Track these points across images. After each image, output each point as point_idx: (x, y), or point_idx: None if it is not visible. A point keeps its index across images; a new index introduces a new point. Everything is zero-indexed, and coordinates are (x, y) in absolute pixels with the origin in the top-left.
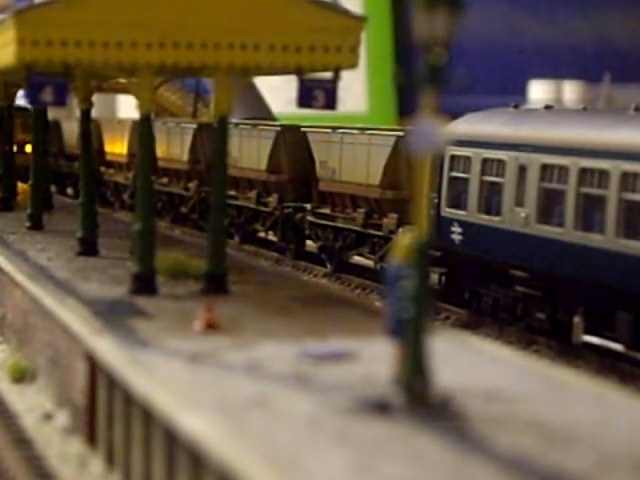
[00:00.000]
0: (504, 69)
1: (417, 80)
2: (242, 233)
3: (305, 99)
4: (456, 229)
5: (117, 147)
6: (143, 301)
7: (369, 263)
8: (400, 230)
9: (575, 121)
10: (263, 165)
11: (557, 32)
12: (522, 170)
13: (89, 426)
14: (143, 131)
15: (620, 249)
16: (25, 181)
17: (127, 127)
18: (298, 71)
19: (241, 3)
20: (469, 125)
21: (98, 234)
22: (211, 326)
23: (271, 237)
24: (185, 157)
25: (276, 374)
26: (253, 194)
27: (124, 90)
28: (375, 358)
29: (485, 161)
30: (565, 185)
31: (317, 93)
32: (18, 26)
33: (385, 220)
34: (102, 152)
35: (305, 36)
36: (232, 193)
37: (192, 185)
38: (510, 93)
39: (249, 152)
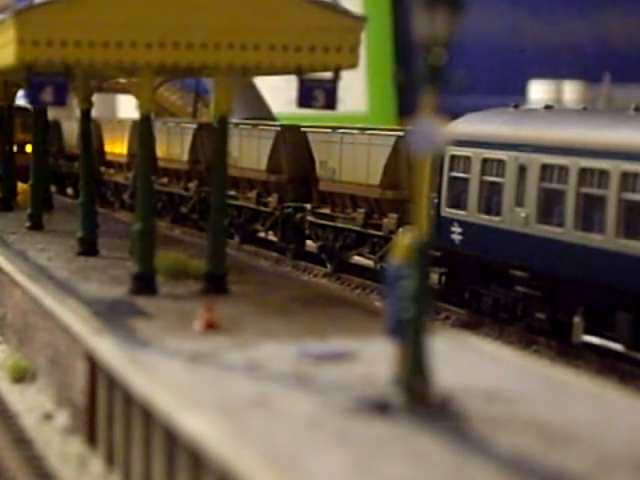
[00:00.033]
0: (504, 69)
1: (417, 80)
2: (242, 233)
3: (305, 99)
4: (456, 229)
5: (117, 147)
6: (143, 301)
7: (369, 263)
8: (400, 230)
9: (575, 121)
10: (263, 165)
11: (557, 32)
12: (522, 170)
13: (89, 426)
14: (143, 131)
15: (620, 249)
16: (25, 181)
17: (127, 127)
18: (298, 71)
19: (241, 3)
20: (469, 125)
21: (98, 234)
22: (211, 326)
23: (271, 237)
24: (185, 157)
25: (276, 374)
26: (253, 194)
27: (124, 90)
28: (375, 358)
29: (485, 161)
30: (565, 185)
31: (317, 93)
32: (18, 26)
33: (385, 220)
34: (102, 152)
35: (305, 36)
36: (232, 193)
37: (192, 185)
38: (510, 93)
39: (249, 152)
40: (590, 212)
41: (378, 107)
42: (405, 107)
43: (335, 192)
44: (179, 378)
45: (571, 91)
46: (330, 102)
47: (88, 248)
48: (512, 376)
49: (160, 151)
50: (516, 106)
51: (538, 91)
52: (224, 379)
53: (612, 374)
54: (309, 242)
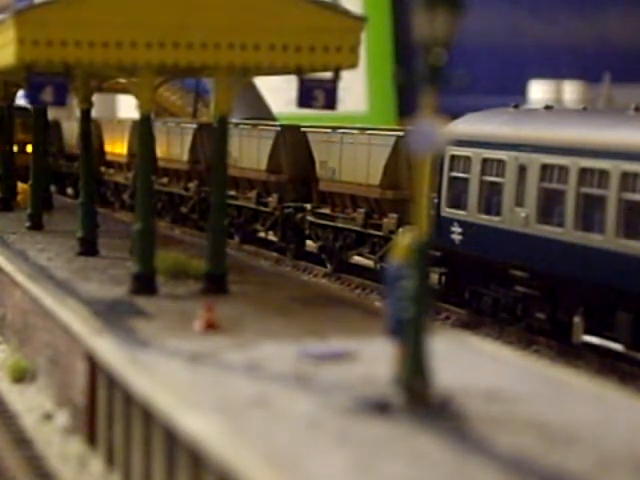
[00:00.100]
0: (504, 69)
1: (417, 80)
2: (242, 233)
3: (305, 99)
4: (456, 229)
5: (117, 147)
6: (143, 301)
7: (369, 263)
8: (400, 230)
9: (575, 121)
10: (263, 165)
11: (557, 32)
12: (522, 170)
13: (89, 426)
14: (143, 131)
15: (620, 249)
16: (26, 181)
17: (127, 127)
18: (298, 71)
19: (241, 3)
20: (469, 125)
21: (98, 234)
22: (211, 326)
23: (271, 237)
24: (185, 157)
25: (276, 374)
26: (253, 194)
27: (124, 90)
28: (375, 358)
29: (485, 161)
30: (565, 185)
31: (317, 93)
32: (18, 26)
33: (385, 220)
34: (102, 152)
35: (305, 36)
36: (232, 193)
37: (192, 185)
38: (510, 93)
39: (249, 152)
40: (590, 212)
41: (378, 107)
42: (405, 107)
43: (335, 192)
44: (179, 378)
45: (571, 91)
46: (330, 102)
47: (88, 248)
48: (512, 376)
49: (160, 151)
50: (516, 106)
51: (538, 91)
52: (224, 379)
53: (612, 374)
54: (309, 242)
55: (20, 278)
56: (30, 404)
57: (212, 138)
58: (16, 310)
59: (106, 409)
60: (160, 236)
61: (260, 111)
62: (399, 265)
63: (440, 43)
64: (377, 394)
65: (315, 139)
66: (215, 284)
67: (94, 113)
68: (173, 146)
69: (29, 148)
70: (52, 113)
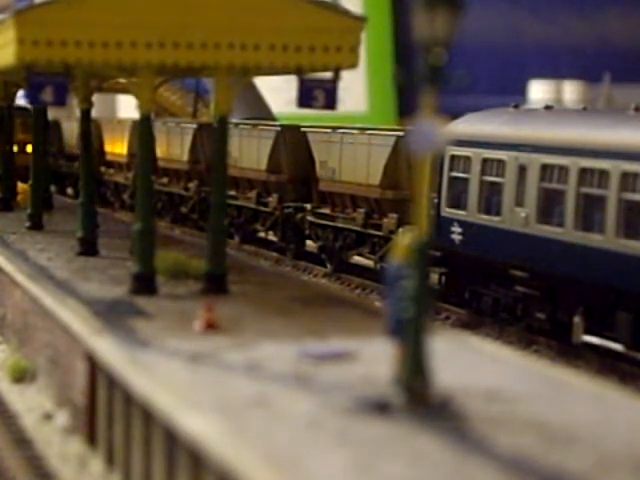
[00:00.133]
0: (504, 69)
1: (417, 80)
2: (242, 233)
3: (305, 99)
4: (456, 229)
5: (117, 147)
6: (143, 301)
7: (369, 263)
8: (400, 230)
9: (575, 121)
10: (263, 165)
11: (557, 32)
12: (522, 170)
13: (89, 426)
14: (143, 131)
15: (620, 249)
16: (26, 181)
17: (127, 127)
18: (298, 71)
19: (241, 3)
20: (469, 125)
21: (98, 234)
22: (211, 326)
23: (271, 237)
24: (185, 157)
25: (276, 374)
26: (253, 194)
27: (124, 90)
28: (375, 358)
29: (485, 161)
30: (565, 185)
31: (317, 93)
32: (18, 26)
33: (385, 220)
34: (102, 152)
35: (305, 36)
36: (232, 193)
37: (192, 185)
38: (510, 93)
39: (249, 152)
40: (590, 212)
41: (378, 107)
42: (405, 107)
43: (335, 192)
44: (179, 378)
45: (571, 91)
46: (330, 102)
47: (88, 248)
48: (512, 376)
49: (160, 151)
50: (516, 106)
51: (538, 91)
52: (224, 379)
53: (612, 374)
54: (309, 242)
55: (20, 278)
56: (30, 404)
57: (212, 138)
58: (16, 310)
59: (106, 409)
60: (160, 236)
61: (260, 111)
62: (399, 265)
63: (440, 43)
64: (377, 394)
65: (315, 139)
66: (215, 284)
67: (94, 113)
68: (173, 146)
69: (29, 148)
70: (52, 113)
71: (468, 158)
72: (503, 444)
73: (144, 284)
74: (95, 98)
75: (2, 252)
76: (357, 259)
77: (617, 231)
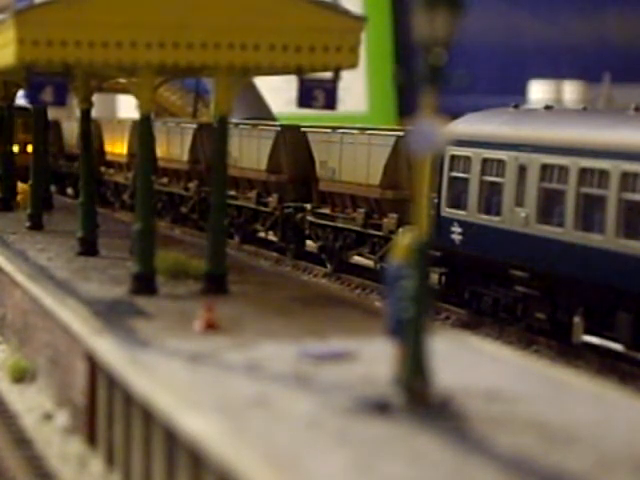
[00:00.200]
0: (504, 69)
1: (417, 80)
2: (242, 233)
3: (305, 99)
4: (456, 229)
5: (117, 147)
6: (143, 301)
7: (369, 263)
8: (400, 230)
9: (575, 121)
10: (263, 165)
11: (557, 32)
12: (522, 170)
13: (89, 426)
14: (143, 131)
15: (620, 249)
16: (27, 181)
17: (127, 127)
18: (298, 71)
19: (241, 3)
20: (469, 125)
21: (98, 234)
22: (211, 326)
23: (271, 237)
24: (185, 157)
25: (276, 374)
26: (253, 194)
27: (124, 90)
28: (375, 358)
29: (485, 161)
30: (565, 185)
31: (317, 93)
32: (18, 26)
33: (385, 220)
34: (102, 152)
35: (305, 36)
36: (232, 193)
37: (192, 185)
38: (510, 93)
39: (249, 152)
40: (590, 212)
41: (378, 107)
42: (405, 107)
43: (335, 192)
44: (179, 378)
45: (571, 91)
46: (330, 102)
47: (88, 248)
48: (512, 376)
49: (160, 151)
50: (516, 106)
51: (538, 91)
52: (224, 379)
53: (612, 374)
54: (309, 242)
55: (20, 278)
56: (30, 404)
57: (212, 138)
58: (16, 310)
59: (106, 409)
60: (160, 236)
61: (260, 111)
62: (399, 265)
63: (440, 43)
64: (377, 394)
65: (315, 139)
66: (215, 284)
67: (94, 113)
68: (173, 146)
69: (30, 148)
70: (52, 113)
71: (468, 158)
72: (503, 444)
73: (144, 284)
74: (95, 98)
75: (2, 252)
76: (357, 259)
77: (617, 231)
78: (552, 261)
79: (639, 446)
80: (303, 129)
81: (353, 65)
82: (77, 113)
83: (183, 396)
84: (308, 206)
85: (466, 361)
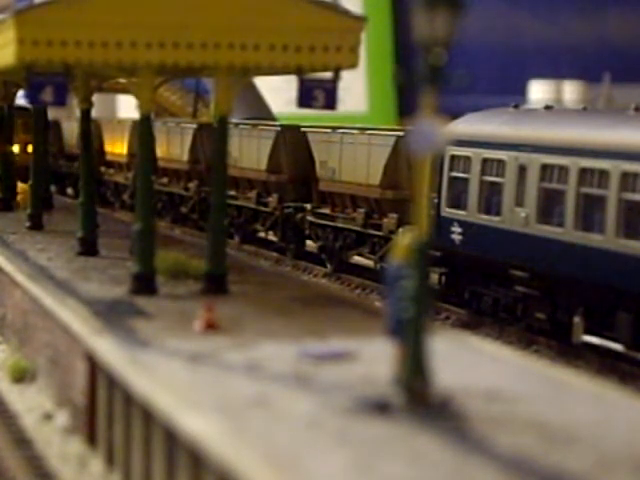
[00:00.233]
0: (504, 69)
1: (417, 80)
2: (242, 233)
3: (305, 99)
4: (456, 229)
5: (117, 147)
6: (143, 301)
7: (369, 263)
8: (400, 230)
9: (575, 121)
10: (263, 165)
11: (557, 32)
12: (522, 170)
13: (89, 426)
14: (143, 131)
15: (620, 249)
16: (28, 181)
17: (127, 127)
18: (298, 71)
19: (241, 3)
20: (469, 125)
21: (98, 234)
22: (211, 326)
23: (271, 237)
24: (185, 157)
25: (276, 374)
26: (253, 194)
27: (124, 90)
28: (375, 358)
29: (485, 161)
30: (565, 185)
31: (317, 93)
32: (18, 26)
33: (385, 220)
34: (102, 152)
35: (305, 36)
36: (232, 193)
37: (192, 185)
38: (510, 93)
39: (249, 152)
40: (590, 212)
41: (378, 107)
42: (405, 107)
43: (335, 192)
44: (179, 378)
45: (571, 91)
46: (330, 102)
47: (88, 248)
48: (512, 376)
49: (160, 151)
50: (516, 106)
51: (538, 91)
52: (224, 379)
53: (612, 374)
54: (309, 242)
55: (20, 278)
56: (30, 404)
57: (212, 138)
58: (16, 310)
59: (106, 409)
60: (160, 236)
61: (260, 111)
62: (399, 265)
63: (440, 43)
64: (377, 394)
65: (315, 139)
66: (215, 284)
67: (94, 113)
68: (173, 146)
69: (30, 148)
70: (52, 113)
71: (468, 158)
72: (503, 444)
73: (144, 284)
74: (95, 98)
75: (2, 252)
76: (357, 259)
77: (617, 231)
78: (552, 261)
79: (639, 446)
80: (303, 129)
81: (353, 65)
82: (77, 113)
83: (183, 396)
84: (308, 206)
85: (466, 361)
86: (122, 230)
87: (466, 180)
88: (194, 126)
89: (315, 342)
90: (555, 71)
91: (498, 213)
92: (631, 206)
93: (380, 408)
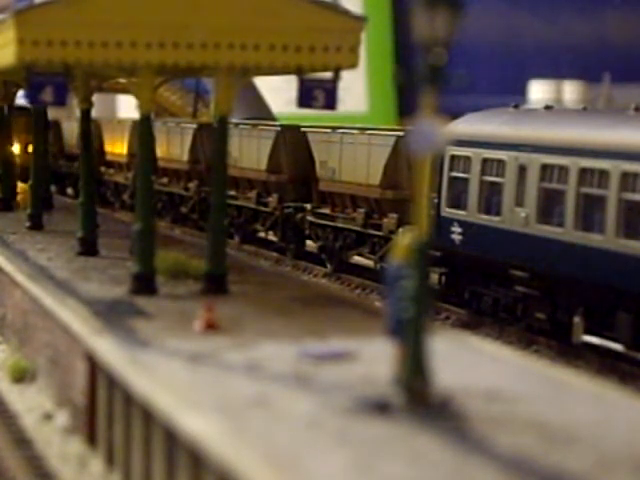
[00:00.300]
0: (504, 69)
1: (417, 80)
2: (242, 233)
3: (305, 99)
4: (456, 229)
5: (117, 147)
6: (143, 301)
7: (369, 263)
8: (400, 230)
9: (575, 121)
10: (263, 165)
11: (557, 32)
12: (522, 170)
13: (89, 426)
14: (143, 131)
15: (620, 249)
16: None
17: (127, 127)
18: (298, 71)
19: (241, 3)
20: (469, 125)
21: (98, 234)
22: (211, 326)
23: (271, 237)
24: (185, 157)
25: (276, 374)
26: (253, 194)
27: (124, 90)
28: (375, 358)
29: (485, 161)
30: (565, 185)
31: (317, 93)
32: (18, 26)
33: (385, 220)
34: (102, 152)
35: (305, 36)
36: (232, 193)
37: (192, 185)
38: (510, 93)
39: (249, 152)
40: (590, 212)
41: (378, 107)
42: (405, 107)
43: (335, 192)
44: (179, 378)
45: (571, 91)
46: (330, 102)
47: (88, 248)
48: (512, 376)
49: (160, 151)
50: (516, 106)
51: (538, 91)
52: (224, 379)
53: (612, 374)
54: (309, 242)
55: (20, 278)
56: (30, 404)
57: (212, 138)
58: (16, 310)
59: (106, 409)
60: (160, 236)
61: (260, 111)
62: (399, 265)
63: (440, 43)
64: (377, 394)
65: (315, 139)
66: (215, 284)
67: (94, 113)
68: (173, 146)
69: (31, 148)
70: (52, 113)
71: (468, 158)
72: (503, 444)
73: (144, 284)
74: (95, 98)
75: (2, 252)
76: (357, 259)
77: (617, 231)
78: (552, 261)
79: (639, 446)
80: (303, 129)
81: (353, 65)
82: (77, 113)
83: (183, 396)
84: (308, 206)
85: (466, 361)
86: (122, 230)
87: (466, 180)
88: (194, 126)
89: (315, 342)
90: (555, 71)
91: (498, 213)
92: (631, 206)
93: (380, 408)
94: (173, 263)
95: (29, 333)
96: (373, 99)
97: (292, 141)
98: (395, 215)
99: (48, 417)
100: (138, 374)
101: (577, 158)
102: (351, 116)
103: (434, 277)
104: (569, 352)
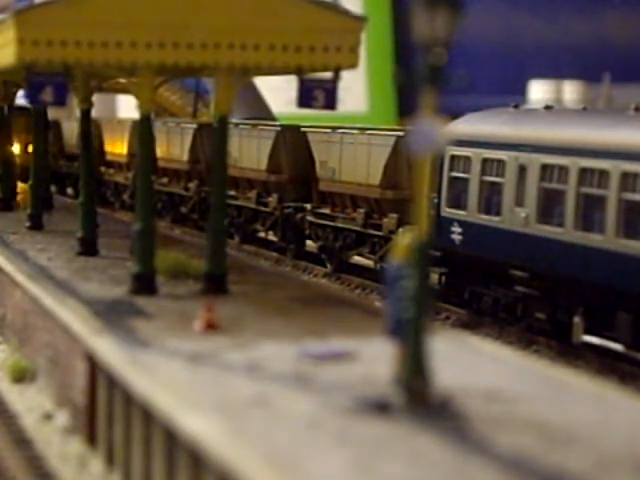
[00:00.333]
0: (504, 69)
1: (417, 80)
2: (242, 233)
3: (305, 99)
4: (456, 229)
5: (117, 147)
6: (143, 301)
7: (369, 263)
8: (400, 230)
9: (575, 121)
10: (263, 165)
11: (557, 32)
12: (522, 170)
13: (89, 426)
14: (143, 131)
15: (620, 249)
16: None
17: (127, 127)
18: (298, 71)
19: (241, 3)
20: (469, 125)
21: (98, 234)
22: (211, 326)
23: (271, 237)
24: (185, 157)
25: (276, 374)
26: (253, 194)
27: (124, 90)
28: (375, 358)
29: (485, 161)
30: (565, 185)
31: (317, 93)
32: (18, 26)
33: (385, 220)
34: (102, 152)
35: (305, 36)
36: (232, 193)
37: (192, 185)
38: (510, 93)
39: (249, 152)
40: (590, 212)
41: (378, 107)
42: (405, 107)
43: (335, 192)
44: (179, 378)
45: (571, 91)
46: (330, 102)
47: (88, 248)
48: (512, 376)
49: (160, 151)
50: (516, 106)
51: (538, 91)
52: (224, 379)
53: (612, 374)
54: (309, 242)
55: (20, 278)
56: (30, 404)
57: (212, 138)
58: (16, 310)
59: (106, 409)
60: (160, 236)
61: (260, 111)
62: (399, 265)
63: (440, 43)
64: (377, 394)
65: (315, 139)
66: (215, 284)
67: (94, 113)
68: (173, 146)
69: (31, 148)
70: (52, 113)
71: (468, 158)
72: (503, 444)
73: (144, 284)
74: (95, 98)
75: (2, 252)
76: (357, 259)
77: (617, 231)
78: (552, 261)
79: (639, 446)
80: (303, 129)
81: (353, 65)
82: (77, 113)
83: (183, 396)
84: (308, 206)
85: (466, 361)
86: (122, 230)
87: (466, 180)
88: (194, 126)
89: (315, 342)
90: (555, 71)
91: (498, 213)
92: (631, 206)
93: (380, 408)
94: (173, 263)
95: (29, 333)
96: (373, 99)
97: (292, 141)
98: (395, 215)
99: (48, 417)
100: (138, 374)
101: (577, 158)
102: (351, 116)
103: (434, 277)
104: (569, 352)
